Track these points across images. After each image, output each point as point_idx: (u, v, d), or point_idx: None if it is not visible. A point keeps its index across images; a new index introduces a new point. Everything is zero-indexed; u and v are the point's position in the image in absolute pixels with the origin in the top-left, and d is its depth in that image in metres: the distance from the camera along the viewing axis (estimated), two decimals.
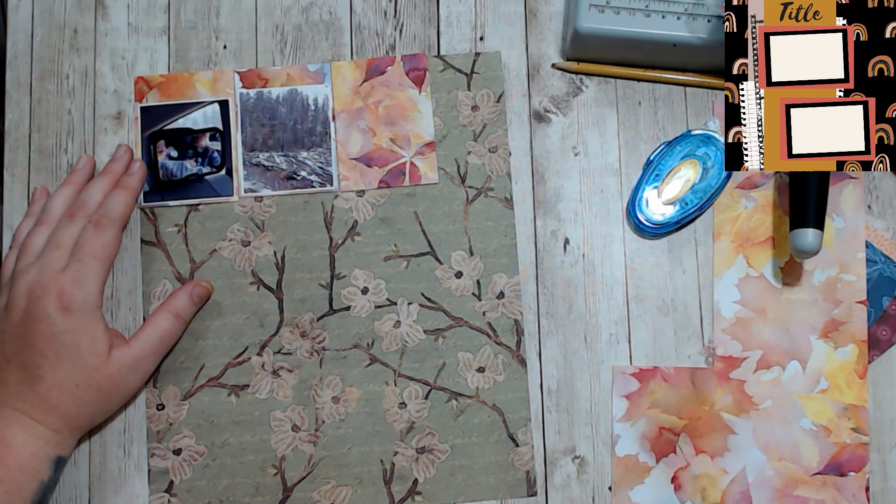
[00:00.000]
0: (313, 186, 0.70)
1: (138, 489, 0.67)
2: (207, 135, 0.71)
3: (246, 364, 0.69)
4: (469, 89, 0.71)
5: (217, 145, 0.71)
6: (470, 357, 0.69)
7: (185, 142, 0.71)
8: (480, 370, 0.68)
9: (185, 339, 0.68)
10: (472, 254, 0.70)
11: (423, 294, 0.69)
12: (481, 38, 0.72)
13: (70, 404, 0.63)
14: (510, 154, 0.71)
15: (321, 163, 0.70)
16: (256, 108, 0.71)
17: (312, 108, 0.71)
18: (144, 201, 0.70)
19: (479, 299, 0.69)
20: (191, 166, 0.71)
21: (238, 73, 0.71)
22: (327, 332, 0.69)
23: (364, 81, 0.72)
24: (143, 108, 0.71)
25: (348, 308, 0.69)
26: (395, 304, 0.69)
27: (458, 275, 0.69)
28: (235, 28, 0.73)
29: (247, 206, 0.70)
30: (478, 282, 0.69)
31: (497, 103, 0.71)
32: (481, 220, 0.70)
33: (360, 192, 0.70)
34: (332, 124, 0.71)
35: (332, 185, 0.70)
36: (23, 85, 0.72)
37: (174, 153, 0.70)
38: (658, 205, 0.68)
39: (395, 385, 0.68)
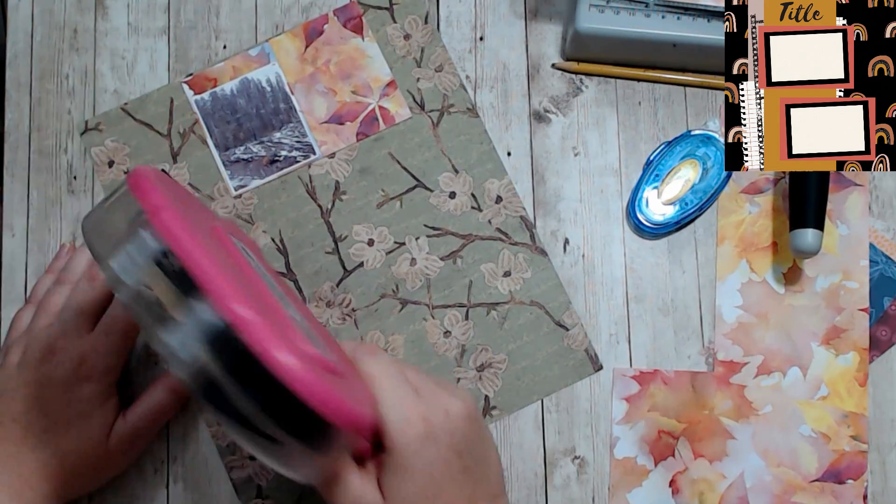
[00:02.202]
0: (297, 161, 0.70)
1: (138, 489, 0.67)
2: None
3: None
4: (395, 21, 0.72)
5: None
6: (492, 266, 0.69)
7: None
8: (507, 274, 0.69)
9: None
10: (456, 172, 0.70)
11: (426, 225, 0.70)
12: (481, 39, 0.72)
13: (67, 475, 0.60)
14: (455, 67, 0.71)
15: (296, 136, 0.70)
16: (216, 109, 0.71)
17: (268, 89, 0.71)
18: None
19: (480, 210, 0.70)
20: None
21: (185, 82, 0.71)
22: (350, 294, 0.69)
23: (307, 47, 0.72)
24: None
25: (361, 264, 0.69)
26: (404, 243, 0.69)
27: (452, 195, 0.70)
28: (235, 28, 0.72)
29: (229, 206, 0.70)
30: (472, 195, 0.70)
31: (426, 24, 0.72)
32: (453, 136, 0.70)
33: (332, 155, 0.70)
34: (292, 98, 0.71)
35: (315, 153, 0.70)
36: (23, 85, 0.72)
37: None
38: (658, 205, 0.68)
39: (434, 318, 0.69)
